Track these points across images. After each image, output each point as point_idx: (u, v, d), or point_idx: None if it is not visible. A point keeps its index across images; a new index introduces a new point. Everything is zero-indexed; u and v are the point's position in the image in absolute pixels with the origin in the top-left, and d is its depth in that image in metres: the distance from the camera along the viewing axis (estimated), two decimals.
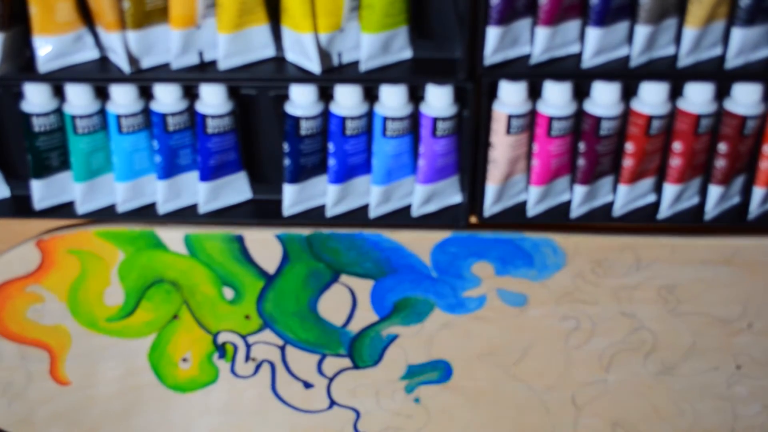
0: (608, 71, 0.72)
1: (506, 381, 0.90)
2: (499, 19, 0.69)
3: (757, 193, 0.79)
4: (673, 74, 0.72)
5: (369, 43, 0.71)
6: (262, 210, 0.83)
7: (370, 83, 0.75)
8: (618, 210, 0.81)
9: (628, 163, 0.78)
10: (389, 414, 0.92)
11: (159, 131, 0.77)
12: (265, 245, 0.84)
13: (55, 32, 0.72)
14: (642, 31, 0.70)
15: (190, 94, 0.78)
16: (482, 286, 0.85)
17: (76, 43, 0.73)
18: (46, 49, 0.72)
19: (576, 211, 0.81)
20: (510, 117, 0.75)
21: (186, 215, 0.82)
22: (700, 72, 0.72)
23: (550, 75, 0.74)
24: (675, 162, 0.78)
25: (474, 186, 0.80)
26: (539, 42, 0.71)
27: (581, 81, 0.76)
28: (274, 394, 0.91)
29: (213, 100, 0.76)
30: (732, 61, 0.71)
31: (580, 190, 0.79)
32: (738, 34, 0.70)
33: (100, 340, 0.88)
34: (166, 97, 0.76)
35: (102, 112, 0.78)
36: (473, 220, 0.82)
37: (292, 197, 0.80)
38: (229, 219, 0.82)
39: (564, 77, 0.74)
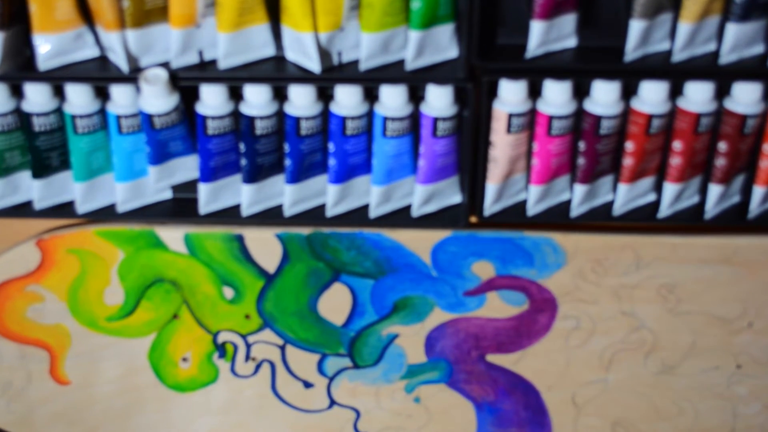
0: (604, 68, 0.73)
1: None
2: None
3: (757, 192, 0.79)
4: (668, 70, 0.72)
5: (369, 43, 0.71)
6: (262, 210, 0.83)
7: (370, 83, 0.75)
8: (618, 209, 0.81)
9: (628, 162, 0.78)
10: (389, 413, 0.92)
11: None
12: (265, 244, 0.84)
13: (55, 30, 0.72)
14: (636, 26, 0.70)
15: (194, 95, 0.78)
16: (482, 285, 0.85)
17: (77, 41, 0.73)
18: (46, 47, 0.72)
19: (576, 210, 0.81)
20: (510, 116, 0.75)
21: (187, 215, 0.82)
22: (695, 69, 0.72)
23: (549, 74, 0.74)
24: (675, 161, 0.78)
25: (474, 185, 0.80)
26: (534, 35, 0.71)
27: (580, 78, 0.76)
28: (274, 393, 0.91)
29: (213, 101, 0.76)
30: (726, 57, 0.71)
31: (580, 189, 0.79)
32: (732, 30, 0.70)
33: (100, 339, 0.88)
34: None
35: (102, 112, 0.78)
36: (473, 219, 0.82)
37: (292, 197, 0.80)
38: (229, 219, 0.82)
39: (562, 76, 0.74)
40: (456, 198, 0.83)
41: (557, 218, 0.81)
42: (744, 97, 0.75)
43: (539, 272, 0.85)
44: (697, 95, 0.75)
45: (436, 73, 0.74)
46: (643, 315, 0.87)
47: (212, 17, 0.72)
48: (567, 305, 0.86)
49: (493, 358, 0.89)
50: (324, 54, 0.72)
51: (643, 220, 0.81)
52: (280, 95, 0.77)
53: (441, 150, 0.78)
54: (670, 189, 0.79)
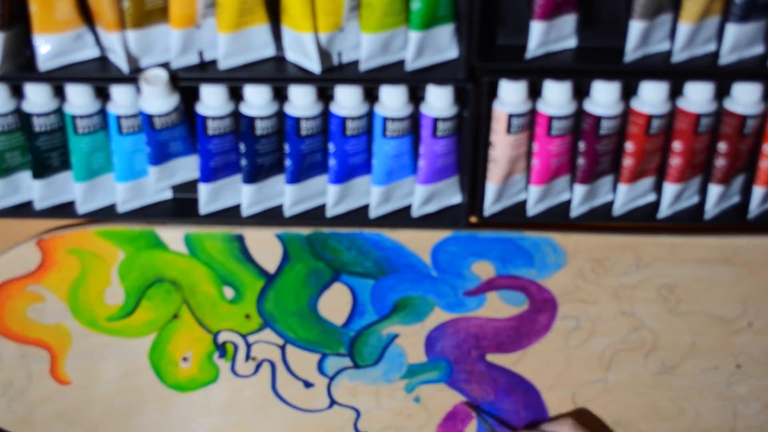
0: (604, 68, 0.73)
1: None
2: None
3: (757, 192, 0.79)
4: (668, 70, 0.72)
5: (369, 43, 0.71)
6: (262, 210, 0.83)
7: (370, 83, 0.75)
8: (618, 209, 0.81)
9: (628, 162, 0.78)
10: (389, 413, 0.92)
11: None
12: (265, 244, 0.84)
13: (55, 30, 0.72)
14: (636, 27, 0.70)
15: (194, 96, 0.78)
16: (482, 285, 0.85)
17: (77, 41, 0.73)
18: (46, 48, 0.72)
19: (576, 211, 0.81)
20: (510, 116, 0.75)
21: (187, 215, 0.82)
22: (695, 69, 0.72)
23: (549, 74, 0.74)
24: (675, 161, 0.78)
25: (474, 185, 0.80)
26: (534, 36, 0.71)
27: (580, 79, 0.76)
28: (275, 393, 0.91)
29: (213, 101, 0.76)
30: (726, 57, 0.71)
31: (580, 189, 0.79)
32: (732, 30, 0.70)
33: (101, 339, 0.88)
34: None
35: (102, 112, 0.78)
36: (473, 219, 0.82)
37: (292, 197, 0.80)
38: (229, 219, 0.82)
39: (562, 76, 0.74)
40: (456, 198, 0.83)
41: (557, 218, 0.81)
42: (744, 97, 0.75)
43: (539, 272, 0.85)
44: (697, 96, 0.75)
45: (436, 73, 0.74)
46: (643, 315, 0.87)
47: (212, 18, 0.72)
48: (567, 305, 0.86)
49: (493, 357, 0.89)
50: (324, 54, 0.72)
51: (642, 221, 0.81)
52: (280, 95, 0.77)
53: (441, 150, 0.78)
54: (669, 189, 0.79)
